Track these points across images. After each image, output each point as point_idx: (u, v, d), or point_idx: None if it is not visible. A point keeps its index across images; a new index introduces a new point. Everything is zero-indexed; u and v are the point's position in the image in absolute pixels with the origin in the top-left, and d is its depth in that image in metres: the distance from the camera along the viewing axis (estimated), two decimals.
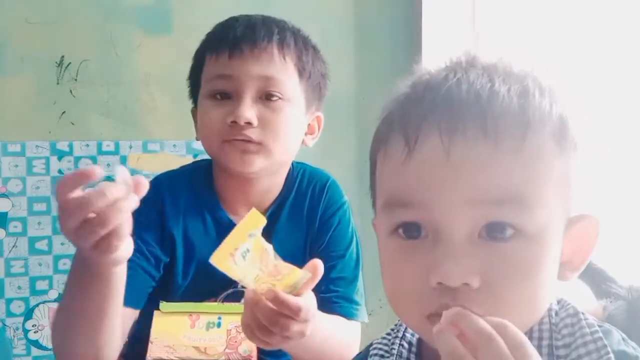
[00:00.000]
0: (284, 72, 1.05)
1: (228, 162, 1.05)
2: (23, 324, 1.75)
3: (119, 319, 0.91)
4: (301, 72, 1.07)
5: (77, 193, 0.73)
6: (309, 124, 1.12)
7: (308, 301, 0.78)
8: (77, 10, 1.77)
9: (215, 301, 1.07)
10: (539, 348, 0.54)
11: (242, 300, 0.80)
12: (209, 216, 1.09)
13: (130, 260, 0.86)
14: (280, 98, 1.04)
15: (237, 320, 0.93)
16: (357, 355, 0.72)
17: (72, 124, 1.78)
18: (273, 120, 1.03)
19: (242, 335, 0.92)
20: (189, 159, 1.79)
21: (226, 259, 0.72)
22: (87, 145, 1.79)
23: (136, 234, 0.85)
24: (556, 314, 0.57)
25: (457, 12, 1.97)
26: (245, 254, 0.73)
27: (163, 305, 0.97)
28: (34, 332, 1.76)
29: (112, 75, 1.81)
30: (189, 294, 1.07)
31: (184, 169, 1.18)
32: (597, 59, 1.54)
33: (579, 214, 0.55)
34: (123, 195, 0.74)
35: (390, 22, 2.05)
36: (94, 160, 1.80)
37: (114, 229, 0.74)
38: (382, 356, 0.65)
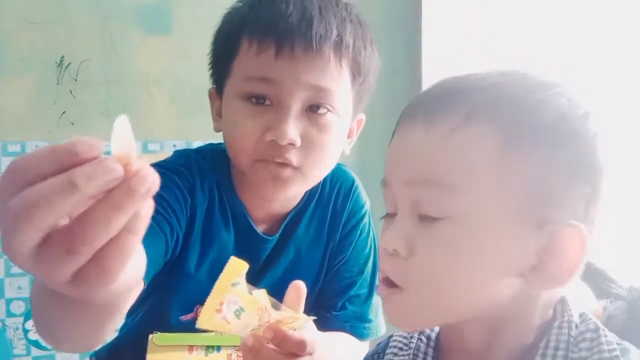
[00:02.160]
0: (338, 81, 0.86)
1: (257, 182, 0.89)
2: (23, 324, 1.75)
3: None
4: (355, 76, 0.89)
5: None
6: (350, 128, 0.96)
7: (310, 335, 0.71)
8: (77, 10, 1.78)
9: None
10: (553, 357, 0.56)
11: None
12: (231, 217, 0.96)
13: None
14: (329, 111, 0.86)
15: (237, 343, 0.86)
16: (378, 344, 0.72)
17: (72, 124, 1.78)
18: (319, 141, 0.86)
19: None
20: None
21: (213, 317, 0.64)
22: None
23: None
24: (576, 326, 0.57)
25: (457, 12, 1.97)
26: (239, 313, 0.65)
27: (157, 337, 0.88)
28: (34, 332, 1.76)
29: (112, 75, 1.81)
30: (199, 292, 0.96)
31: (206, 150, 1.01)
32: (596, 59, 1.54)
33: (564, 222, 0.54)
34: (120, 177, 0.43)
35: (390, 22, 2.05)
36: None
37: (110, 243, 0.41)
38: (400, 348, 0.67)
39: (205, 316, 0.64)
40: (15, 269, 1.74)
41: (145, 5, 1.82)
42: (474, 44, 1.91)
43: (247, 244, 0.94)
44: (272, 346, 0.69)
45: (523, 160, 0.53)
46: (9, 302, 1.74)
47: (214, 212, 0.94)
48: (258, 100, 0.85)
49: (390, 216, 0.59)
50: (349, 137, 0.96)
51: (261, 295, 0.66)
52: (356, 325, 1.01)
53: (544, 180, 0.53)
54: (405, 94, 2.04)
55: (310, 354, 0.71)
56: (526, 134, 0.54)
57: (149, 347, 0.87)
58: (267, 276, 0.97)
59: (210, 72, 0.95)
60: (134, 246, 0.42)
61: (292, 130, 0.83)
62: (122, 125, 0.48)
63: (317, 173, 0.91)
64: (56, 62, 1.76)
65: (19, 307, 1.75)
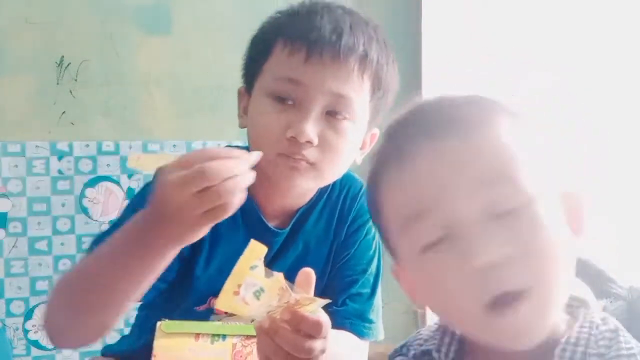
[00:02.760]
0: (358, 91, 0.94)
1: (275, 174, 0.95)
2: (23, 324, 1.75)
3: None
4: (375, 90, 0.97)
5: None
6: (363, 140, 1.02)
7: (325, 317, 0.75)
8: (77, 10, 1.78)
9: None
10: (573, 353, 0.59)
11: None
12: (240, 213, 0.95)
13: None
14: (346, 118, 0.94)
15: (242, 331, 0.90)
16: (407, 339, 0.74)
17: (72, 124, 1.78)
18: (334, 143, 0.93)
19: (247, 349, 0.89)
20: None
21: (231, 299, 0.67)
22: (87, 146, 1.79)
23: None
24: (597, 327, 0.61)
25: (457, 12, 1.97)
26: (259, 294, 0.69)
27: (165, 324, 0.91)
28: (34, 332, 1.76)
29: (112, 75, 1.81)
30: (205, 291, 1.01)
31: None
32: (596, 59, 1.54)
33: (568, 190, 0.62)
34: (245, 172, 0.74)
35: (390, 22, 2.05)
36: (94, 160, 1.80)
37: (227, 202, 0.73)
38: (426, 340, 0.70)
39: (224, 298, 0.67)
40: (15, 269, 1.74)
41: (145, 5, 1.82)
42: (474, 44, 1.91)
43: (258, 238, 0.97)
44: (288, 327, 0.71)
45: (528, 146, 0.60)
46: (9, 302, 1.74)
47: None
48: (283, 99, 0.93)
49: (433, 246, 0.58)
50: (362, 148, 1.02)
51: (280, 277, 0.69)
52: (356, 323, 1.03)
53: (542, 159, 0.61)
54: (405, 94, 2.04)
55: (325, 337, 0.74)
56: (516, 123, 0.61)
57: (157, 333, 0.90)
58: (276, 268, 0.97)
59: (243, 72, 1.02)
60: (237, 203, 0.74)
61: (311, 129, 0.91)
62: None
63: (331, 172, 0.97)
64: (56, 62, 1.76)
65: (19, 307, 1.75)
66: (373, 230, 1.07)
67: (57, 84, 1.77)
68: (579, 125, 1.55)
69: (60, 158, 1.77)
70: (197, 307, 1.00)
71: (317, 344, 0.74)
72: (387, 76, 0.99)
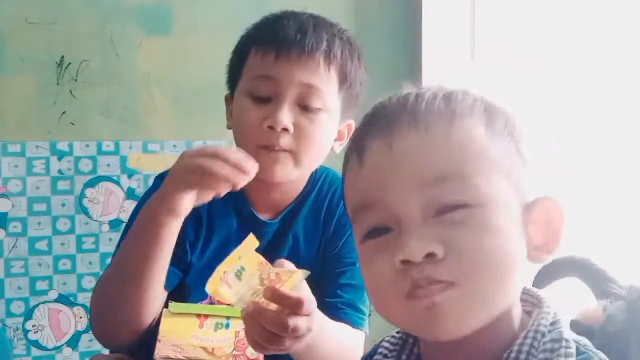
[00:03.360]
0: (326, 82, 1.04)
1: (259, 167, 1.02)
2: (23, 324, 1.75)
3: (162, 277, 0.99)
4: (342, 82, 1.07)
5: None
6: (339, 130, 1.12)
7: (307, 294, 0.81)
8: (77, 10, 1.78)
9: None
10: None
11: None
12: (232, 207, 1.11)
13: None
14: (318, 108, 1.04)
15: None
16: (369, 351, 0.73)
17: (72, 124, 1.78)
18: (308, 130, 1.03)
19: None
20: None
21: (218, 284, 0.71)
22: (87, 146, 1.79)
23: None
24: (543, 335, 0.59)
25: (457, 12, 1.97)
26: (241, 273, 0.72)
27: (172, 305, 0.97)
28: (34, 332, 1.76)
29: (112, 75, 1.81)
30: (203, 278, 1.07)
31: None
32: (596, 59, 1.55)
33: (534, 197, 0.60)
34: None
35: (390, 22, 2.05)
36: (94, 160, 1.80)
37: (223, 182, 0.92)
38: (389, 350, 0.68)
39: (211, 284, 0.72)
40: (15, 269, 1.74)
41: (145, 5, 1.82)
42: (474, 44, 1.91)
43: (249, 228, 1.04)
44: (273, 306, 0.75)
45: (501, 150, 0.59)
46: (9, 302, 1.74)
47: (214, 204, 1.06)
48: (260, 97, 1.04)
49: (375, 232, 0.59)
50: (339, 139, 1.12)
51: (257, 255, 0.74)
52: (350, 313, 1.06)
53: (516, 168, 0.59)
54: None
55: (309, 314, 0.79)
56: (491, 127, 0.60)
57: (164, 313, 0.95)
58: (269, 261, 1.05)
59: (226, 80, 1.14)
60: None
61: (286, 117, 1.01)
62: None
63: (308, 159, 1.06)
64: (56, 62, 1.76)
65: (19, 307, 1.75)
66: None
67: (57, 84, 1.77)
68: (578, 122, 1.55)
69: (60, 158, 1.77)
70: (200, 303, 1.04)
71: (301, 322, 0.78)
72: (352, 69, 1.08)
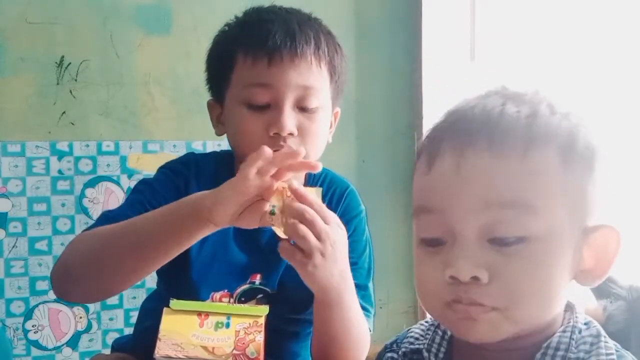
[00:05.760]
0: (320, 80, 1.05)
1: None
2: (23, 324, 1.75)
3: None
4: (332, 76, 1.08)
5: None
6: (330, 121, 1.14)
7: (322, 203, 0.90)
8: (77, 10, 1.78)
9: (231, 297, 1.07)
10: (552, 357, 0.60)
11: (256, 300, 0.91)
12: None
13: None
14: (315, 107, 1.05)
15: (245, 321, 0.94)
16: (397, 335, 0.76)
17: (72, 124, 1.78)
18: (311, 129, 1.04)
19: (250, 337, 0.92)
20: None
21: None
22: (87, 146, 1.79)
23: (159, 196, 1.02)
24: (580, 332, 0.62)
25: (457, 12, 1.97)
26: (273, 209, 0.88)
27: (173, 302, 0.96)
28: (34, 332, 1.76)
29: (112, 75, 1.81)
30: (202, 277, 1.08)
31: (210, 156, 1.19)
32: (596, 59, 1.55)
33: (598, 223, 0.61)
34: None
35: (390, 22, 2.06)
36: (94, 160, 1.80)
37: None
38: (417, 338, 0.71)
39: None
40: (15, 269, 1.74)
41: (145, 5, 1.82)
42: (474, 44, 1.91)
43: (246, 229, 1.07)
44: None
45: (572, 177, 0.59)
46: (9, 302, 1.74)
47: None
48: (257, 104, 1.03)
49: (433, 243, 0.61)
50: (329, 127, 1.13)
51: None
52: None
53: (582, 191, 0.60)
54: (405, 94, 2.04)
55: (322, 240, 0.88)
56: (573, 153, 0.59)
57: (165, 311, 0.95)
58: (271, 264, 1.07)
59: (208, 85, 1.13)
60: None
61: (290, 122, 1.02)
62: None
63: (314, 153, 1.07)
64: (56, 62, 1.76)
65: (19, 307, 1.75)
66: (362, 225, 1.15)
67: (57, 84, 1.77)
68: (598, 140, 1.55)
69: (60, 158, 1.77)
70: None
71: (325, 228, 0.87)
72: (338, 61, 1.09)
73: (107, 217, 1.03)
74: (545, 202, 0.57)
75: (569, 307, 0.64)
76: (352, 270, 1.06)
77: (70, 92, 1.78)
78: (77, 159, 1.79)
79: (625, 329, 0.68)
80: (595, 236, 0.60)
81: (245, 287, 1.08)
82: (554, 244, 0.57)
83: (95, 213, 1.80)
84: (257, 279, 1.08)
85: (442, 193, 0.60)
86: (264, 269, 1.08)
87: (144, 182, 1.12)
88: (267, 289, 1.08)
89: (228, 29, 1.11)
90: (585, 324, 0.63)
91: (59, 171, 1.77)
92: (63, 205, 1.78)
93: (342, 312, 0.97)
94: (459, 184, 0.59)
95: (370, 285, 1.13)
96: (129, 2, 1.81)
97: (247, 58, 1.03)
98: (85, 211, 1.80)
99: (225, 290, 1.08)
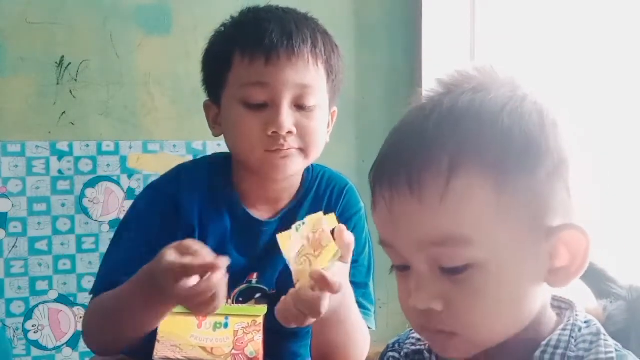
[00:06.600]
0: (317, 78, 1.06)
1: (269, 170, 1.06)
2: (23, 324, 1.75)
3: None
4: (329, 74, 1.08)
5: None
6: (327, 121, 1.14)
7: (341, 274, 0.88)
8: (77, 10, 1.78)
9: (229, 298, 1.07)
10: (552, 355, 0.60)
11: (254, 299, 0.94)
12: (226, 208, 1.11)
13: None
14: (313, 105, 1.05)
15: (244, 321, 0.94)
16: (399, 335, 0.77)
17: (72, 124, 1.78)
18: (309, 127, 1.05)
19: (249, 336, 0.92)
20: (188, 159, 1.79)
21: (287, 236, 0.82)
22: (87, 146, 1.79)
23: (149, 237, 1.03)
24: (579, 330, 0.61)
25: (457, 13, 1.97)
26: (300, 227, 0.82)
27: None
28: (34, 332, 1.76)
29: (112, 75, 1.81)
30: None
31: (202, 161, 1.20)
32: (596, 60, 1.54)
33: (565, 222, 0.58)
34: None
35: (390, 22, 2.05)
36: (94, 160, 1.80)
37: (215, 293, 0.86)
38: (419, 339, 0.72)
39: (284, 235, 0.82)
40: (15, 269, 1.74)
41: (145, 5, 1.82)
42: (474, 44, 1.91)
43: (245, 229, 1.10)
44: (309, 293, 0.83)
45: (515, 189, 0.56)
46: (9, 302, 1.74)
47: (206, 212, 1.09)
48: (254, 103, 1.03)
49: (401, 269, 0.62)
50: (327, 127, 1.13)
51: (321, 215, 0.84)
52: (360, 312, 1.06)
53: (534, 196, 0.57)
54: (405, 94, 2.04)
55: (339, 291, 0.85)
56: (508, 163, 0.56)
57: None
58: (268, 263, 1.08)
59: (204, 86, 1.13)
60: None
61: (288, 121, 1.02)
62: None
63: (314, 154, 1.08)
64: (56, 62, 1.76)
65: (19, 307, 1.75)
66: (362, 222, 1.15)
67: (57, 84, 1.77)
68: (578, 122, 1.55)
69: (60, 158, 1.77)
70: None
71: (328, 303, 0.84)
72: (335, 60, 1.10)
73: (107, 272, 1.07)
74: (479, 230, 0.56)
75: (570, 305, 0.64)
76: (352, 268, 1.07)
77: (70, 92, 1.78)
78: (77, 159, 1.79)
79: (625, 329, 0.68)
80: (566, 233, 0.58)
81: (242, 286, 1.08)
82: (507, 261, 0.57)
83: (95, 213, 1.80)
84: (254, 277, 1.09)
85: (385, 231, 0.61)
86: (260, 268, 1.09)
87: (131, 216, 1.13)
88: (264, 287, 1.08)
89: (224, 29, 1.11)
90: (585, 322, 0.62)
91: (59, 171, 1.77)
92: (63, 205, 1.78)
93: (341, 316, 0.97)
94: (394, 226, 0.59)
95: (371, 283, 1.13)
96: (129, 2, 1.81)
97: (244, 57, 1.03)
98: (85, 211, 1.80)
99: None
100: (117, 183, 1.82)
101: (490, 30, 1.91)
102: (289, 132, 1.02)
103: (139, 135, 1.84)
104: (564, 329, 0.61)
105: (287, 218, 1.09)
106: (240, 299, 1.07)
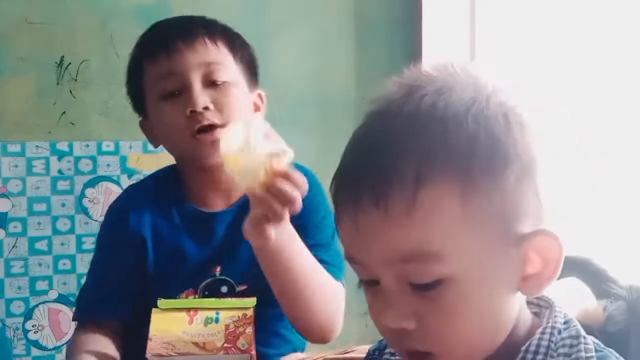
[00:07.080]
0: (220, 56, 1.11)
1: (201, 155, 1.09)
2: (23, 324, 1.75)
3: None
4: (234, 54, 1.13)
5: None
6: (254, 102, 1.18)
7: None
8: (77, 10, 1.78)
9: (196, 293, 1.08)
10: None
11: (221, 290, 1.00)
12: (174, 209, 1.15)
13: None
14: (225, 81, 1.10)
15: (234, 314, 0.94)
16: (380, 341, 0.74)
17: (72, 124, 1.78)
18: (226, 101, 1.09)
19: (240, 329, 0.93)
20: None
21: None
22: (87, 146, 1.79)
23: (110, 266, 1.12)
24: (559, 332, 0.59)
25: (457, 12, 1.97)
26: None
27: (161, 302, 0.98)
28: (34, 332, 1.76)
29: (112, 75, 1.80)
30: (164, 284, 1.10)
31: (150, 176, 1.27)
32: (596, 59, 1.55)
33: (535, 229, 0.56)
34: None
35: (390, 22, 2.05)
36: (94, 160, 1.80)
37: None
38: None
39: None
40: (15, 269, 1.74)
41: (145, 5, 1.82)
42: (474, 44, 1.91)
43: (197, 225, 1.14)
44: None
45: (482, 197, 0.53)
46: (9, 302, 1.74)
47: (157, 217, 1.15)
48: (172, 95, 1.09)
49: (370, 284, 0.58)
50: (257, 110, 1.18)
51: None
52: (327, 268, 1.07)
53: (503, 203, 0.54)
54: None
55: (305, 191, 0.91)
56: (475, 170, 0.53)
57: (153, 311, 0.96)
58: (229, 255, 1.11)
59: (132, 104, 1.20)
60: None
61: (202, 97, 1.07)
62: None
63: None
64: (56, 62, 1.76)
65: (19, 307, 1.75)
66: (320, 194, 1.14)
67: (57, 84, 1.77)
68: (578, 122, 1.55)
69: (60, 158, 1.77)
70: (186, 295, 1.10)
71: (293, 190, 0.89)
72: (238, 42, 1.15)
73: (88, 299, 1.14)
74: (448, 243, 0.53)
75: (549, 305, 0.62)
76: (313, 231, 1.10)
77: (70, 92, 1.78)
78: (77, 159, 1.79)
79: (625, 329, 0.68)
80: (537, 239, 0.55)
81: (207, 280, 1.10)
82: (479, 273, 0.54)
83: (95, 213, 1.80)
84: (218, 270, 1.11)
85: (352, 247, 0.58)
86: (222, 260, 1.11)
87: (97, 242, 1.22)
88: (229, 280, 1.10)
89: (135, 45, 1.18)
90: (565, 322, 0.60)
91: (59, 171, 1.77)
92: (63, 205, 1.78)
93: (291, 255, 0.99)
94: (360, 241, 0.56)
95: (337, 244, 1.12)
96: (129, 2, 1.81)
97: (150, 60, 1.11)
98: (85, 211, 1.80)
99: (190, 289, 1.10)
100: (117, 183, 1.82)
101: (490, 30, 1.91)
102: (206, 108, 1.06)
103: (139, 135, 1.82)
104: (543, 332, 0.59)
105: (243, 207, 1.07)
106: (207, 293, 1.09)
